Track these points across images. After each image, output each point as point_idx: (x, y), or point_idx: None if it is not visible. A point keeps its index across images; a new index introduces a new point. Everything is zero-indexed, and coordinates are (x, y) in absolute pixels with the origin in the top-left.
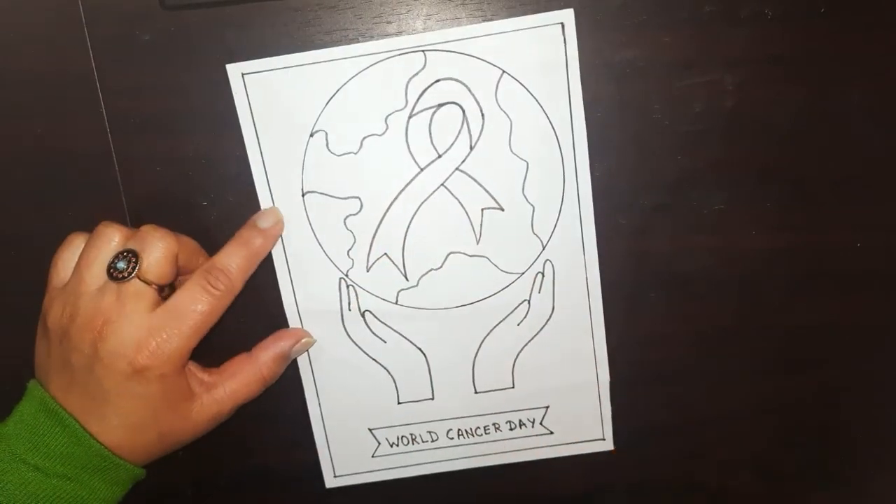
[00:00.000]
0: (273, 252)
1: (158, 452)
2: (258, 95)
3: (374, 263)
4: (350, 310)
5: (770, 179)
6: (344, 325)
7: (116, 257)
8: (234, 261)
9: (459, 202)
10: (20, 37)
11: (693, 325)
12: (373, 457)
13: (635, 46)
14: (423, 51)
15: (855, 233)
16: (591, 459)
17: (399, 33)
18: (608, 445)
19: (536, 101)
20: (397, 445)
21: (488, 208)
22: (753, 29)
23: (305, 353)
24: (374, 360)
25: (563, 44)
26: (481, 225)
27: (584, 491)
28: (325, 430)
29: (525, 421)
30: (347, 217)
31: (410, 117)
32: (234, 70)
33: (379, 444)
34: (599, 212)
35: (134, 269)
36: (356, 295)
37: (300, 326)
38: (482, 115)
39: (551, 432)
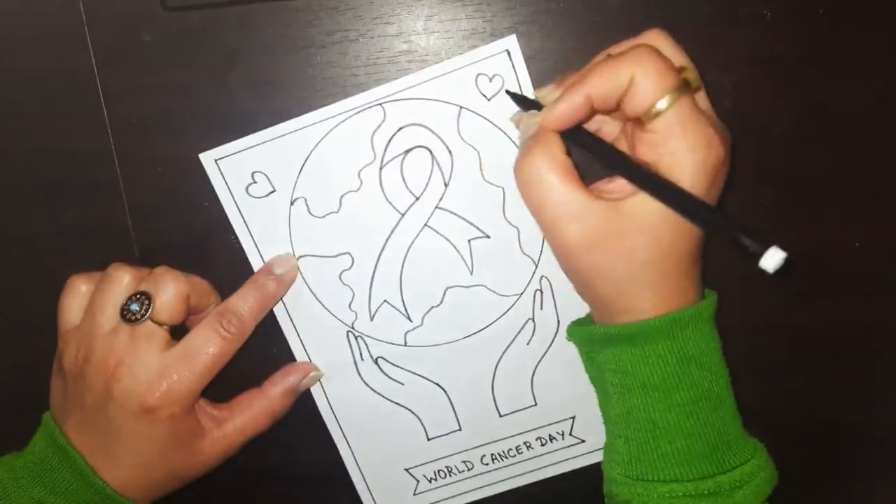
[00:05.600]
0: (280, 318)
1: (168, 489)
2: (234, 177)
3: (376, 311)
4: (363, 359)
5: (770, 179)
6: (360, 376)
7: (129, 299)
8: (247, 305)
9: (446, 238)
10: (21, 37)
11: None
12: (415, 495)
13: None
14: (380, 104)
15: (855, 233)
16: None
17: (399, 34)
18: None
19: (498, 128)
20: (436, 480)
21: (475, 238)
22: (752, 29)
23: (329, 409)
24: (396, 403)
25: (512, 70)
26: (471, 255)
27: None
28: (364, 479)
29: (555, 434)
30: (342, 273)
31: (382, 168)
32: (207, 158)
33: (418, 481)
34: None
35: (147, 311)
36: (366, 344)
37: (320, 387)
38: (449, 151)
39: (582, 441)
